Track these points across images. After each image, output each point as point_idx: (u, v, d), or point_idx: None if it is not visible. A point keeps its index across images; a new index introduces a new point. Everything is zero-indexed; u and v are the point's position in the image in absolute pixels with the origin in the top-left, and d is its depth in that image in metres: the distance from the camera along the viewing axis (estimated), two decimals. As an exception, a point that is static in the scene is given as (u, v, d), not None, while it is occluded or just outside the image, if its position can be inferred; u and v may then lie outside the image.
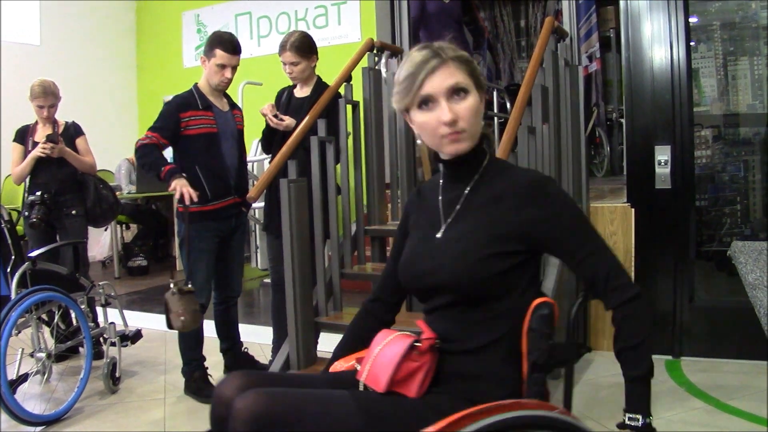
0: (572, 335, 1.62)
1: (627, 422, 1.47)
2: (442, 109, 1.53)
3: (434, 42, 1.60)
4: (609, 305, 1.53)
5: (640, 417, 1.46)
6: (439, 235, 1.65)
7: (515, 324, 1.55)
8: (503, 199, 1.58)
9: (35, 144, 4.00)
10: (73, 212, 4.06)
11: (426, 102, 1.55)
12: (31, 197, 3.95)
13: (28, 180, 4.07)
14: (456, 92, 1.54)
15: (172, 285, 3.16)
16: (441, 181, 1.73)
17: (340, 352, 1.84)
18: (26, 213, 3.97)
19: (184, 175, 3.27)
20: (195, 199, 3.18)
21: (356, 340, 1.83)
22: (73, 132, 4.16)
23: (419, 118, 1.58)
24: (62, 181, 4.04)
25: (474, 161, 1.64)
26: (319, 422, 1.44)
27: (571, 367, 1.63)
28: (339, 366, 1.77)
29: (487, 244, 1.54)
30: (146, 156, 3.30)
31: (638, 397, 1.48)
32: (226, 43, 3.37)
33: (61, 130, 4.10)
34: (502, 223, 1.56)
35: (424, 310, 1.69)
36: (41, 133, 4.05)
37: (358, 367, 1.63)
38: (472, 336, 1.56)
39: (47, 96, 4.00)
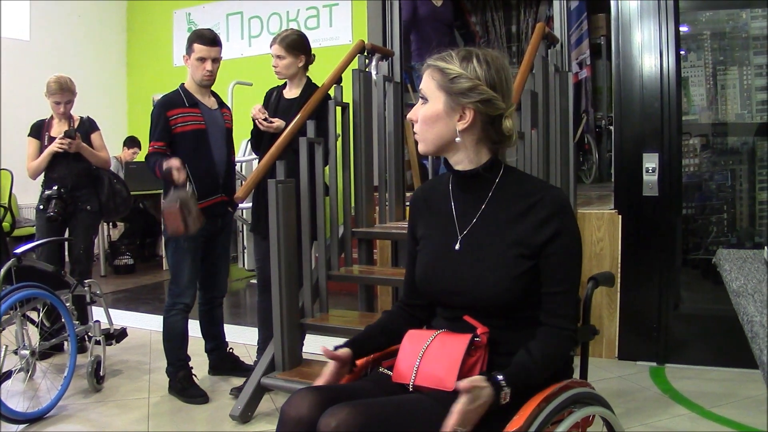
0: (587, 320, 1.79)
1: (498, 379, 1.47)
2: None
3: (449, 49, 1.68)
4: (545, 332, 1.59)
5: (508, 390, 1.47)
6: (457, 247, 1.66)
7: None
8: (527, 217, 1.59)
9: (51, 139, 4.04)
10: (88, 208, 4.11)
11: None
12: (48, 192, 4.03)
13: (43, 174, 4.12)
14: (423, 97, 1.64)
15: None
16: (450, 187, 1.74)
17: (368, 345, 1.77)
18: (41, 207, 4.04)
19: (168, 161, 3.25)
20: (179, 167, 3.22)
21: (386, 337, 1.79)
22: (88, 127, 4.21)
23: None
24: (78, 176, 4.08)
25: (486, 175, 1.65)
26: (412, 427, 1.45)
27: (587, 345, 1.84)
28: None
29: (515, 264, 1.58)
30: (147, 163, 3.38)
31: (516, 376, 1.50)
32: (202, 37, 3.40)
33: (76, 125, 4.14)
34: (526, 242, 1.58)
35: (447, 316, 1.69)
36: (57, 128, 4.09)
37: (386, 371, 1.67)
38: (511, 338, 1.59)
39: (64, 92, 4.03)
